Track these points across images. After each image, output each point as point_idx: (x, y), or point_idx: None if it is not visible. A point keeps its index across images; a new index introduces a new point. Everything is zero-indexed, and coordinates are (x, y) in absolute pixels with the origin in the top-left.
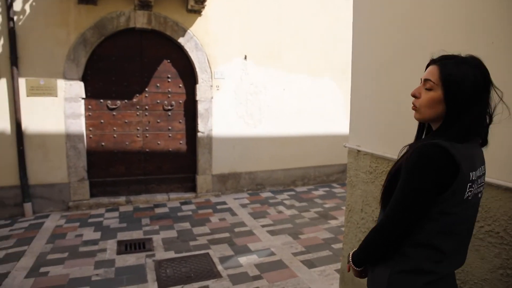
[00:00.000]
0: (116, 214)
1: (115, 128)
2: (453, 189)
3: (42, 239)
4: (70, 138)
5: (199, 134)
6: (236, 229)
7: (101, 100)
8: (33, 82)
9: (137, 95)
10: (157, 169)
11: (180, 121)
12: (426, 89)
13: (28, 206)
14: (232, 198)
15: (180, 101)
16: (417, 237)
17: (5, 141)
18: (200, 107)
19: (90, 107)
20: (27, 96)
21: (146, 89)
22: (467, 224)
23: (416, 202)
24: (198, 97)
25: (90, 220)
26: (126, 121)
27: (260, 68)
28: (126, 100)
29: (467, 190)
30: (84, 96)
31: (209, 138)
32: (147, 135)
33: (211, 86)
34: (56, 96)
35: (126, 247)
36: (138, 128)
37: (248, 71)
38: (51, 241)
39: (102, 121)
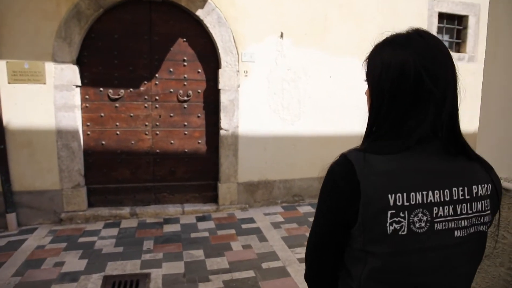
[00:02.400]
0: (115, 231)
1: (118, 124)
2: (361, 217)
3: (11, 267)
4: (62, 135)
5: (222, 132)
6: (264, 264)
7: (101, 89)
8: (15, 65)
9: (145, 82)
10: (170, 175)
11: (199, 115)
12: None
13: (11, 218)
14: (262, 213)
15: (199, 91)
16: (347, 281)
17: None
18: (224, 98)
19: (87, 97)
20: (9, 83)
21: (157, 75)
22: (420, 278)
23: (321, 230)
24: (221, 86)
25: (80, 240)
26: (132, 114)
27: (299, 49)
28: (131, 89)
29: (389, 220)
30: (79, 83)
31: (235, 137)
32: (158, 132)
33: (238, 71)
34: (44, 83)
35: (114, 286)
36: (147, 123)
37: (284, 52)
38: (21, 272)
39: (102, 114)
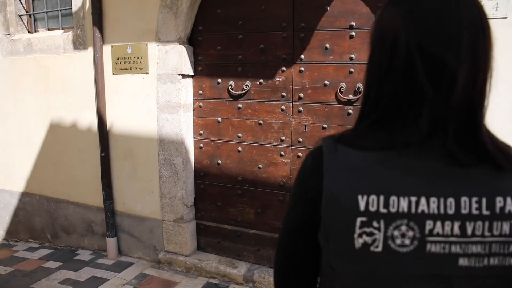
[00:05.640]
0: None
1: (240, 135)
2: (323, 221)
3: None
4: (164, 146)
5: None
6: None
7: (219, 80)
8: (119, 50)
9: (283, 69)
10: None
11: None
12: None
13: (111, 244)
14: None
15: None
16: None
17: (90, 140)
18: None
19: (201, 92)
20: (113, 73)
21: (302, 57)
22: None
23: (288, 227)
24: None
25: None
26: (261, 121)
27: None
28: (261, 80)
29: (358, 231)
30: (188, 71)
31: None
32: (300, 153)
33: None
34: (147, 73)
35: None
36: (283, 137)
37: None
38: None
39: (219, 119)
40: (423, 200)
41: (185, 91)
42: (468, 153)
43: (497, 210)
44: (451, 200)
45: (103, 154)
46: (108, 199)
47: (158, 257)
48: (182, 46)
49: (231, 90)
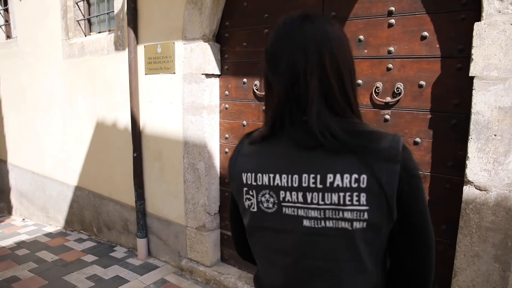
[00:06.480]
0: None
1: None
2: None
3: None
4: (189, 149)
5: (469, 191)
6: None
7: (244, 80)
8: (150, 50)
9: None
10: None
11: (417, 140)
12: None
13: (141, 244)
14: None
15: (421, 82)
16: None
17: (126, 140)
18: (479, 99)
19: (227, 93)
20: (145, 74)
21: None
22: (280, 258)
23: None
24: (477, 70)
25: None
26: None
27: None
28: None
29: (244, 196)
30: (213, 71)
31: (503, 212)
32: None
33: None
34: (174, 73)
35: None
36: None
37: None
38: None
39: (244, 122)
40: (277, 176)
41: (209, 92)
42: (308, 141)
43: (328, 184)
44: (295, 176)
45: (135, 155)
46: (139, 200)
47: (181, 263)
48: (206, 44)
49: (256, 90)
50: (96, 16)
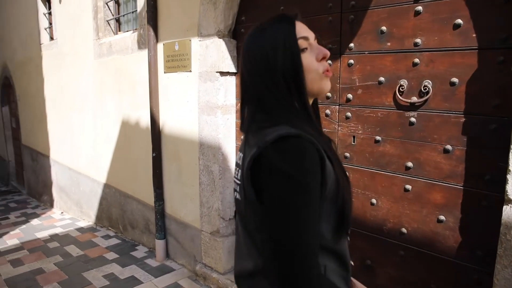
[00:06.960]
0: None
1: None
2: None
3: None
4: (204, 150)
5: (509, 212)
6: None
7: None
8: (169, 48)
9: (329, 62)
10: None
11: (448, 147)
12: None
13: (160, 246)
14: None
15: (453, 80)
16: None
17: (147, 139)
18: None
19: None
20: (164, 72)
21: (351, 45)
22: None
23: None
24: None
25: None
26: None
27: None
28: None
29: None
30: (228, 68)
31: None
32: (348, 172)
33: None
34: (190, 71)
35: None
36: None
37: None
38: None
39: None
40: (240, 154)
41: (224, 91)
42: (247, 129)
43: (240, 162)
44: (241, 155)
45: (154, 154)
46: (158, 200)
47: (195, 268)
48: (221, 40)
49: None
50: (123, 16)
